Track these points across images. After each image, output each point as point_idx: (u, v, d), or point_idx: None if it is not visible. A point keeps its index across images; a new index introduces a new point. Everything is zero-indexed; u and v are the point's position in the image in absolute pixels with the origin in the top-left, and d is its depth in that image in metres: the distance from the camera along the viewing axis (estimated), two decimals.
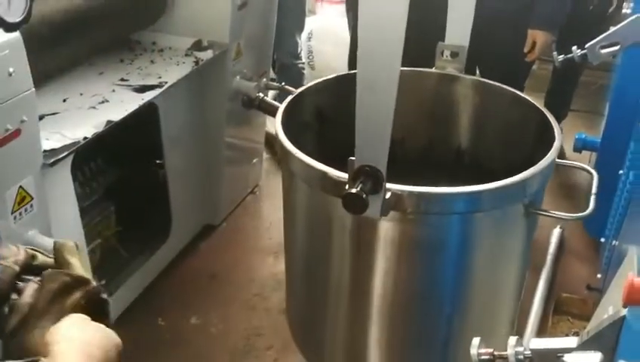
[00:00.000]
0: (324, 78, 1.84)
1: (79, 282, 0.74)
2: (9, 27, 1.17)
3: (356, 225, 1.42)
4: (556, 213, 1.49)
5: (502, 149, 1.79)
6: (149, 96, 1.83)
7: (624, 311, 0.83)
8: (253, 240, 2.62)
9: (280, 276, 2.40)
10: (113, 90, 1.86)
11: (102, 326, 0.72)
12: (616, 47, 2.08)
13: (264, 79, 2.51)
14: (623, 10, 2.36)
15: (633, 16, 2.02)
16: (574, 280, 2.35)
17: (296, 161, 1.44)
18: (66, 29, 1.63)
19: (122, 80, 1.93)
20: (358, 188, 1.22)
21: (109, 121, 1.67)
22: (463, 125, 1.92)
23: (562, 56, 2.05)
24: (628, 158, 2.04)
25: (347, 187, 1.24)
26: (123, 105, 1.78)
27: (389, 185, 1.27)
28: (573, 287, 2.29)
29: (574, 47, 2.03)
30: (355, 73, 1.73)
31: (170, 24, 2.17)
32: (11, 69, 1.27)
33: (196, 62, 2.05)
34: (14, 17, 1.17)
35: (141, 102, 1.79)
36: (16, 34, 1.26)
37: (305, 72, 3.23)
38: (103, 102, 1.79)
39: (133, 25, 2.08)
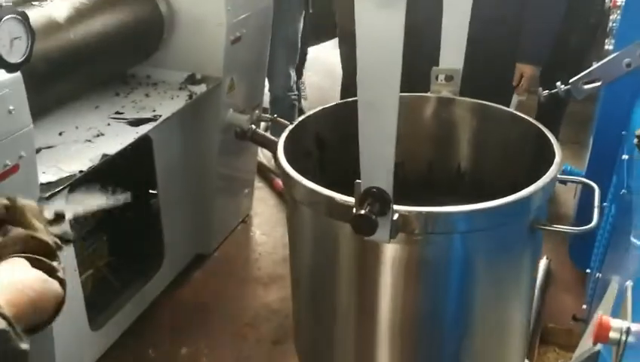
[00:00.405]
0: (323, 107, 1.87)
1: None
2: (11, 68, 1.22)
3: (362, 249, 1.43)
4: (560, 227, 1.51)
5: (501, 168, 1.82)
6: (143, 130, 1.87)
7: (599, 346, 0.87)
8: (244, 270, 2.64)
9: (271, 306, 2.42)
10: (108, 124, 1.90)
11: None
12: (598, 83, 2.16)
13: (256, 111, 2.56)
14: (605, 47, 2.44)
15: (614, 54, 2.10)
16: (561, 311, 2.38)
17: (301, 188, 1.45)
18: (63, 66, 1.68)
19: (117, 113, 1.97)
20: (367, 210, 1.23)
21: (104, 155, 1.71)
22: (461, 146, 1.94)
23: (547, 91, 2.12)
24: (610, 192, 2.09)
25: (355, 210, 1.25)
26: (118, 138, 1.82)
27: (396, 207, 1.27)
28: (560, 318, 2.33)
29: (558, 83, 2.10)
30: (352, 100, 1.79)
31: (164, 58, 2.22)
32: (11, 107, 1.31)
33: (190, 96, 2.10)
34: (16, 58, 1.21)
35: (136, 136, 1.83)
36: (17, 73, 1.30)
37: (296, 103, 3.29)
38: (98, 135, 1.83)
39: (130, 60, 2.13)
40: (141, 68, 2.23)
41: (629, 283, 1.03)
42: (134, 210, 2.29)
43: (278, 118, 2.59)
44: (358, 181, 1.26)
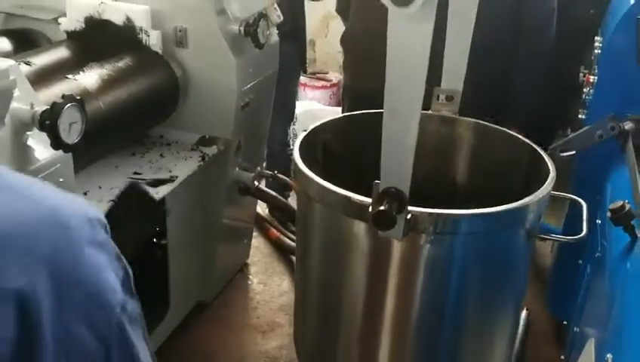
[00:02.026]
0: (332, 118, 2.02)
1: None
2: (67, 149, 1.37)
3: (374, 247, 1.54)
4: (555, 236, 1.74)
5: (494, 185, 1.98)
6: (162, 191, 2.03)
7: None
8: (243, 318, 2.77)
9: (270, 353, 2.55)
10: None
11: None
12: (573, 152, 2.37)
13: (258, 168, 2.73)
14: (579, 116, 2.66)
15: (587, 127, 2.32)
16: (539, 361, 2.55)
17: (318, 188, 1.57)
18: (95, 133, 1.82)
19: (136, 173, 2.12)
20: (387, 207, 1.34)
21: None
22: (458, 162, 2.11)
23: None
24: (586, 252, 2.28)
25: (371, 208, 1.36)
26: None
27: (409, 208, 1.39)
28: None
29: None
30: (358, 113, 1.94)
31: (177, 119, 2.38)
32: (61, 179, 1.46)
33: (203, 158, 2.26)
34: (72, 140, 1.37)
35: (156, 198, 1.99)
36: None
37: (292, 157, 3.46)
38: None
39: (149, 124, 2.29)
40: (155, 128, 2.39)
41: (609, 357, 1.20)
42: (144, 261, 2.43)
43: (278, 175, 2.77)
44: (377, 181, 1.38)
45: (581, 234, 1.69)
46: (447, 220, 1.50)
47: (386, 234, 1.40)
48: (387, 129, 1.35)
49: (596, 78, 2.40)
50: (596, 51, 2.42)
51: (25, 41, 2.32)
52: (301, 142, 1.79)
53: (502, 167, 1.98)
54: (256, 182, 2.58)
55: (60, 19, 2.26)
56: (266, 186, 2.94)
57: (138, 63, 2.15)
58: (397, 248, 1.53)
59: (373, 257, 1.58)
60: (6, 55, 2.06)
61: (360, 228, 1.46)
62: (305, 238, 1.78)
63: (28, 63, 1.91)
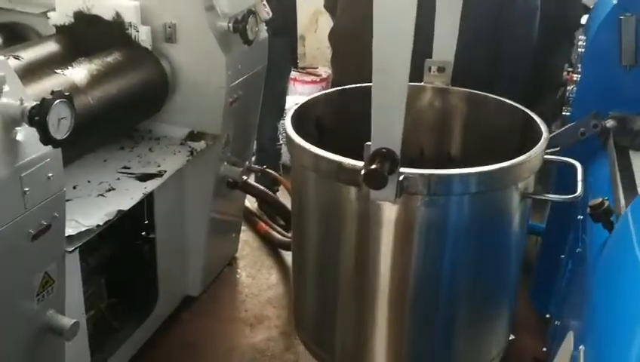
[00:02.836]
0: (325, 92, 2.03)
1: None
2: (56, 144, 1.39)
3: (369, 212, 1.53)
4: (548, 195, 1.73)
5: (490, 154, 1.94)
6: (151, 185, 2.05)
7: None
8: (231, 311, 2.80)
9: (258, 346, 2.58)
10: (118, 178, 2.07)
11: None
12: (557, 149, 2.41)
13: (247, 162, 2.76)
14: (563, 113, 2.70)
15: (570, 124, 2.36)
16: (523, 352, 2.60)
17: (310, 155, 1.57)
18: (83, 127, 1.84)
19: (125, 168, 2.14)
20: (378, 166, 1.34)
21: (119, 211, 1.88)
22: (453, 133, 2.11)
23: None
24: (567, 246, 2.33)
25: (363, 169, 1.36)
26: (129, 193, 1.99)
27: (402, 169, 1.39)
28: (522, 359, 2.54)
29: None
30: (350, 88, 1.94)
31: (166, 114, 2.40)
32: (50, 174, 1.48)
33: (191, 153, 2.28)
34: (61, 135, 1.39)
35: (145, 192, 2.01)
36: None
37: (282, 152, 3.50)
38: (109, 190, 2.00)
39: (138, 118, 2.31)
40: (143, 122, 2.41)
41: (582, 348, 1.24)
42: (131, 254, 2.45)
43: (267, 169, 2.79)
44: (368, 143, 1.37)
45: (576, 194, 1.69)
46: (440, 180, 1.49)
47: (379, 197, 1.39)
48: (377, 88, 1.35)
49: (580, 76, 2.44)
50: (580, 50, 2.46)
51: (14, 35, 2.34)
52: (293, 114, 1.78)
53: (497, 135, 1.97)
54: (244, 177, 2.60)
55: (50, 14, 2.27)
56: (256, 181, 2.97)
57: (127, 59, 2.16)
58: (391, 212, 1.52)
59: (368, 223, 1.57)
60: None
61: (354, 193, 1.45)
62: (300, 209, 1.77)
63: (17, 57, 1.92)
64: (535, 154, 1.64)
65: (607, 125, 2.16)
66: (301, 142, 1.63)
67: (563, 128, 2.39)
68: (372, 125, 1.37)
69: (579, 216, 2.15)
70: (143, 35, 2.22)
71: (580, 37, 2.55)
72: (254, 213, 3.35)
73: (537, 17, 2.78)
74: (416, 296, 1.67)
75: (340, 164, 1.50)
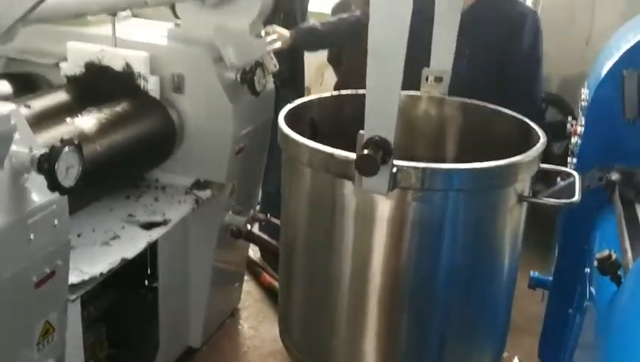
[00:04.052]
0: (319, 96, 2.01)
1: None
2: (63, 191, 1.40)
3: (362, 207, 1.48)
4: (546, 199, 1.69)
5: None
6: (156, 234, 2.05)
7: None
8: None
9: None
10: (123, 227, 2.07)
11: None
12: (561, 201, 2.40)
13: (251, 211, 2.75)
14: (568, 166, 2.70)
15: (569, 179, 2.36)
16: None
17: (302, 148, 1.53)
18: (90, 175, 1.85)
19: (130, 216, 2.14)
20: (371, 152, 1.29)
21: (123, 259, 1.87)
22: (448, 142, 2.10)
23: None
24: (575, 300, 2.30)
25: (356, 157, 1.31)
26: (133, 241, 1.98)
27: (395, 162, 1.34)
28: None
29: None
30: (346, 93, 1.91)
31: (172, 163, 2.42)
32: (56, 221, 1.48)
33: (197, 201, 2.29)
34: (69, 183, 1.40)
35: (150, 240, 2.01)
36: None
37: None
38: (114, 238, 2.00)
39: (145, 168, 2.32)
40: (150, 172, 2.42)
41: None
42: (133, 303, 2.43)
43: (272, 218, 2.79)
44: (361, 131, 1.33)
45: (573, 199, 1.68)
46: (434, 174, 1.45)
47: (372, 188, 1.35)
48: (371, 73, 1.32)
49: (583, 129, 2.46)
50: (583, 103, 2.48)
51: (26, 85, 2.38)
52: (287, 112, 1.76)
53: (494, 145, 1.93)
54: (249, 226, 2.59)
55: (61, 64, 2.32)
56: (259, 230, 2.95)
57: (136, 108, 2.19)
58: (384, 207, 1.48)
59: (360, 218, 1.52)
60: (6, 98, 2.11)
61: (346, 187, 1.41)
62: (290, 205, 1.72)
63: (28, 106, 1.95)
64: (531, 155, 1.62)
65: (613, 178, 2.16)
66: (293, 134, 1.59)
67: (567, 180, 2.40)
68: (366, 112, 1.33)
69: (586, 269, 2.13)
70: (152, 85, 2.26)
71: (582, 90, 2.58)
72: (258, 263, 3.34)
73: (541, 68, 2.84)
74: (408, 297, 1.61)
75: (331, 155, 1.46)
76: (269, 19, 2.71)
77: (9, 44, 1.44)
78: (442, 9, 1.95)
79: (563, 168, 1.95)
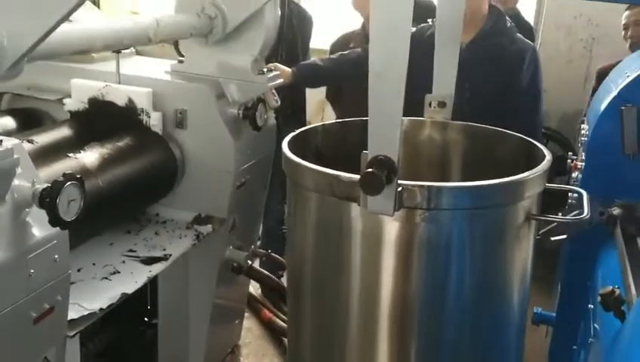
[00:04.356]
0: (323, 123, 2.02)
1: None
2: (64, 226, 1.40)
3: (368, 227, 1.47)
4: (554, 217, 1.68)
5: None
6: (156, 269, 2.03)
7: None
8: None
9: None
10: (123, 262, 2.06)
11: None
12: (563, 236, 2.40)
13: (252, 246, 2.74)
14: (569, 201, 2.71)
15: (575, 212, 2.36)
16: None
17: (306, 171, 1.53)
18: (91, 210, 1.85)
19: (130, 251, 2.13)
20: (376, 170, 1.28)
21: (123, 294, 1.86)
22: (454, 165, 2.10)
23: None
24: (579, 337, 2.27)
25: (360, 176, 1.30)
26: (133, 276, 1.97)
27: (400, 181, 1.33)
28: None
29: None
30: (354, 120, 1.89)
31: (173, 198, 2.42)
32: (56, 256, 1.48)
33: (197, 236, 2.28)
34: (70, 217, 1.40)
35: (149, 275, 1.99)
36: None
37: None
38: (114, 273, 1.99)
39: (146, 202, 2.33)
40: (151, 206, 2.42)
41: None
42: (133, 339, 2.40)
43: (273, 254, 2.78)
44: (365, 152, 1.32)
45: (583, 215, 1.67)
46: (439, 193, 1.44)
47: (377, 209, 1.33)
48: (373, 93, 1.32)
49: (583, 164, 2.47)
50: (582, 139, 2.50)
51: (29, 120, 2.40)
52: (290, 138, 1.76)
53: (501, 168, 1.91)
54: (249, 261, 2.58)
55: (65, 100, 2.34)
56: (260, 266, 2.94)
57: (138, 143, 2.21)
58: (391, 229, 1.46)
59: (367, 240, 1.51)
60: (9, 133, 2.12)
61: (352, 210, 1.40)
62: (296, 230, 1.71)
63: (31, 141, 1.96)
64: (537, 172, 1.61)
65: (614, 213, 2.16)
66: (297, 159, 1.60)
67: (568, 216, 2.40)
68: (369, 132, 1.33)
69: (589, 305, 2.11)
70: (154, 121, 2.27)
71: (582, 126, 2.60)
72: (258, 299, 3.31)
73: (542, 101, 2.87)
74: (418, 321, 1.58)
75: (337, 177, 1.46)
76: (271, 57, 2.75)
77: (14, 80, 1.45)
78: (444, 33, 1.98)
79: (571, 187, 1.94)
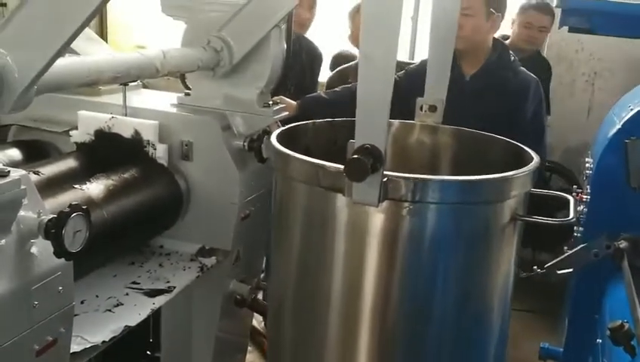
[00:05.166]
0: (313, 122, 2.02)
1: None
2: (69, 257, 1.39)
3: (353, 218, 1.47)
4: (539, 218, 1.65)
5: None
6: (159, 301, 2.02)
7: None
8: None
9: None
10: (127, 294, 2.04)
11: None
12: (570, 270, 2.39)
13: (256, 279, 2.72)
14: (575, 234, 2.70)
15: (582, 245, 2.35)
16: None
17: (292, 161, 1.54)
18: (96, 242, 1.85)
19: (134, 283, 2.12)
20: (361, 156, 1.28)
21: (126, 326, 1.84)
22: (443, 168, 2.11)
23: (525, 273, 2.34)
24: None
25: (345, 162, 1.31)
26: (136, 309, 1.95)
27: (386, 172, 1.33)
28: None
29: (535, 267, 2.32)
30: (344, 120, 1.88)
31: (177, 230, 2.41)
32: (60, 288, 1.47)
33: (201, 269, 2.27)
34: (75, 248, 1.39)
35: (153, 308, 1.97)
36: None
37: None
38: (117, 305, 1.97)
39: (151, 234, 2.32)
40: (155, 238, 2.42)
41: None
42: None
43: None
44: (351, 140, 1.33)
45: (569, 218, 1.69)
46: (425, 185, 1.44)
47: (362, 199, 1.33)
48: (362, 80, 1.33)
49: (589, 197, 2.47)
50: (587, 172, 2.50)
51: (35, 152, 2.41)
52: (280, 133, 1.77)
53: (489, 171, 1.98)
54: (253, 294, 2.56)
55: (71, 132, 2.35)
56: (263, 298, 2.92)
57: (143, 175, 2.21)
58: (376, 221, 1.46)
59: (352, 232, 1.51)
60: (16, 164, 2.13)
61: (337, 201, 1.40)
62: (281, 222, 1.72)
63: (37, 173, 1.97)
64: (524, 171, 1.63)
65: (621, 246, 2.15)
66: (283, 149, 1.60)
67: (575, 249, 2.39)
68: (356, 120, 1.34)
69: (598, 339, 2.09)
70: (160, 153, 2.28)
71: (586, 159, 2.61)
72: (261, 333, 3.28)
73: (545, 132, 2.89)
74: (400, 314, 1.58)
75: (322, 166, 1.47)
76: (280, 91, 2.78)
77: (21, 112, 1.46)
78: (436, 37, 2.01)
79: (556, 193, 1.96)
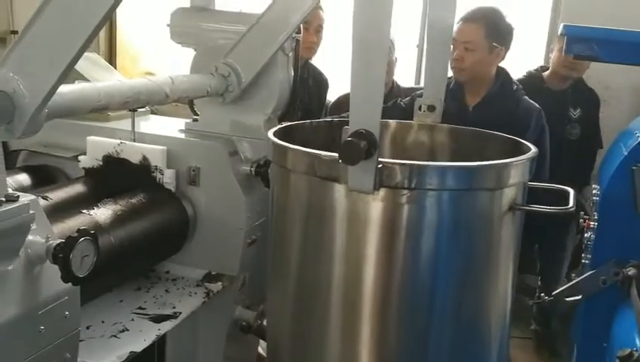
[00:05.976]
0: (311, 121, 2.03)
1: None
2: (77, 281, 1.39)
3: (350, 207, 1.46)
4: (538, 206, 1.63)
5: None
6: (165, 327, 2.01)
7: None
8: None
9: None
10: (132, 319, 2.04)
11: None
12: (579, 297, 2.37)
13: (262, 305, 2.71)
14: (582, 260, 2.69)
15: (590, 272, 2.34)
16: None
17: (288, 152, 1.53)
18: (102, 267, 1.85)
19: (140, 308, 2.12)
20: (355, 139, 1.28)
21: (132, 352, 1.84)
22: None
23: (532, 301, 2.33)
24: None
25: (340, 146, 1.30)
26: (142, 334, 1.95)
27: (380, 159, 1.33)
28: None
29: (542, 294, 2.31)
30: (342, 120, 1.89)
31: (184, 255, 2.41)
32: (67, 312, 1.47)
33: (207, 294, 2.26)
34: (82, 273, 1.40)
35: (159, 333, 1.97)
36: None
37: None
38: (123, 330, 1.97)
39: (157, 260, 2.33)
40: (161, 263, 2.42)
41: None
42: None
43: None
44: (346, 127, 1.33)
45: (568, 206, 1.67)
46: (420, 172, 1.43)
47: (358, 186, 1.33)
48: (355, 64, 1.32)
49: (596, 224, 2.46)
50: (594, 198, 2.50)
51: (44, 177, 2.43)
52: (277, 131, 1.77)
53: None
54: (259, 321, 2.55)
55: (80, 158, 2.38)
56: None
57: (151, 200, 2.22)
58: (375, 210, 1.45)
59: (349, 221, 1.50)
60: (25, 190, 2.15)
61: (335, 190, 1.40)
62: (279, 215, 1.72)
63: (45, 198, 1.99)
64: (522, 159, 1.63)
65: (629, 273, 2.14)
66: (280, 141, 1.61)
67: (583, 276, 2.38)
68: (350, 106, 1.34)
69: None
70: (168, 178, 2.30)
71: (593, 186, 2.60)
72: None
73: (547, 162, 2.89)
74: (400, 304, 1.56)
75: (317, 155, 1.47)
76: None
77: (30, 138, 1.47)
78: (434, 36, 2.02)
79: (556, 186, 1.94)
